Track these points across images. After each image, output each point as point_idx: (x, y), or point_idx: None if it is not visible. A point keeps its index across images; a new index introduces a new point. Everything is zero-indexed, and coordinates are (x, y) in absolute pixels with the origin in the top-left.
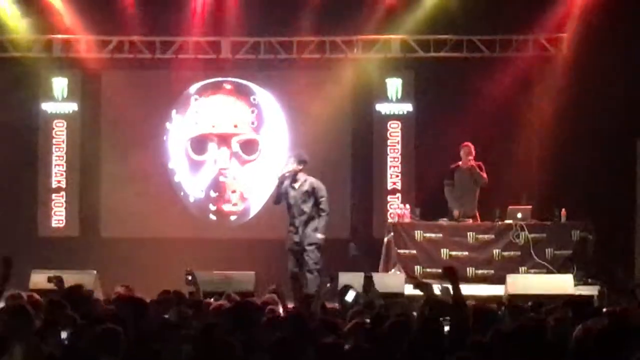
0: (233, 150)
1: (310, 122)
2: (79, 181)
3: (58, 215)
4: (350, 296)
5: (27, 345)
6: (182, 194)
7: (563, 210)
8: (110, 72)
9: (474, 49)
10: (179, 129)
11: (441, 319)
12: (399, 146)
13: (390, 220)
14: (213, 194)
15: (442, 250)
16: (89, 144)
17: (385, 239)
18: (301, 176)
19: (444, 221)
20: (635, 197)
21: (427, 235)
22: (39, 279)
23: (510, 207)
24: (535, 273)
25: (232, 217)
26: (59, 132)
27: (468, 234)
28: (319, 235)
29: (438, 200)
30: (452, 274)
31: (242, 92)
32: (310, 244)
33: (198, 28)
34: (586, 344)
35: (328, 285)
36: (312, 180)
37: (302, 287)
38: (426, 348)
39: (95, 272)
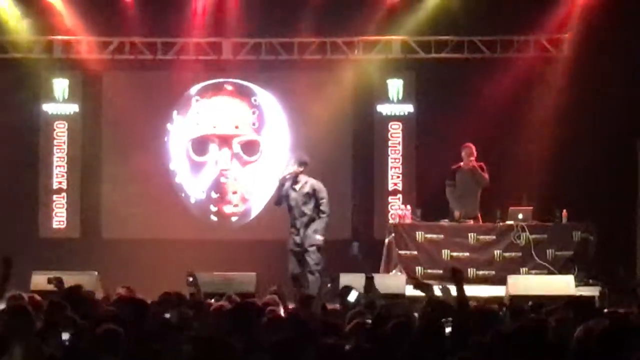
0: (234, 151)
1: (311, 123)
2: (80, 182)
3: (59, 217)
4: (352, 296)
5: (27, 345)
6: (183, 195)
7: (564, 211)
8: (111, 73)
9: (475, 49)
10: (180, 130)
11: (443, 319)
12: (400, 147)
13: (391, 221)
14: (214, 195)
15: (443, 251)
16: (90, 145)
17: (386, 240)
18: (302, 178)
19: (445, 222)
20: (636, 198)
21: (428, 236)
22: (40, 280)
23: (511, 208)
24: (536, 274)
25: (233, 218)
26: (60, 133)
27: (469, 234)
28: (318, 237)
29: (439, 201)
30: (458, 276)
31: (243, 93)
32: (311, 245)
33: (199, 29)
34: (587, 344)
35: (329, 285)
36: (313, 181)
37: (302, 288)
38: (427, 349)
39: (96, 273)
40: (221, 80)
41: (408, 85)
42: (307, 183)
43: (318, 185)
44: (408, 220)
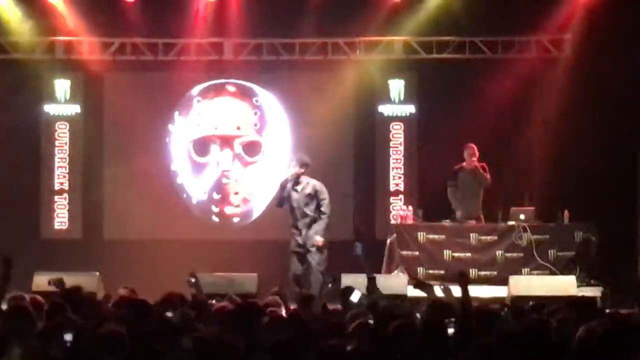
0: (236, 152)
1: (312, 123)
2: (82, 183)
3: (61, 218)
4: (355, 297)
5: (26, 347)
6: (184, 196)
7: (566, 211)
8: (112, 74)
9: (477, 50)
10: (181, 131)
11: (446, 320)
12: (401, 147)
13: (392, 221)
14: (216, 196)
15: (444, 251)
16: (92, 145)
17: (388, 241)
18: (304, 179)
19: (447, 222)
20: (638, 198)
21: (430, 236)
22: (42, 281)
23: (512, 208)
24: (538, 274)
25: (235, 219)
26: (62, 134)
27: (471, 235)
28: (318, 238)
29: (441, 201)
30: (465, 280)
31: (244, 94)
32: (313, 246)
33: (200, 30)
34: (589, 345)
35: (330, 286)
36: (314, 183)
37: (304, 289)
38: (429, 350)
39: (97, 273)
40: (223, 80)
41: (409, 86)
42: (309, 184)
43: (319, 186)
44: (410, 221)
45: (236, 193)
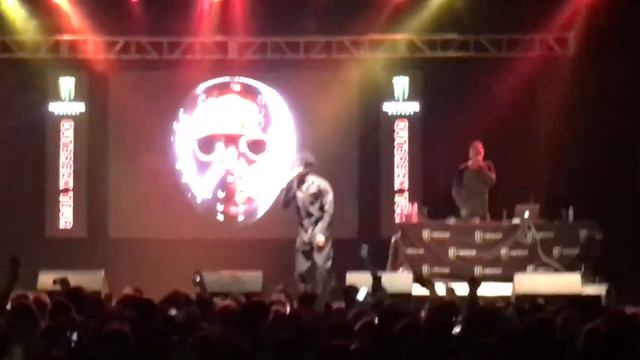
0: (240, 150)
1: (317, 122)
2: (87, 182)
3: (66, 216)
4: (361, 295)
5: (28, 346)
6: (189, 194)
7: (570, 209)
8: (117, 73)
9: (481, 48)
10: (186, 130)
11: (453, 319)
12: (406, 146)
13: (397, 220)
14: (220, 195)
15: (449, 249)
16: (97, 144)
17: (393, 239)
18: (309, 178)
19: (452, 220)
20: None
21: (435, 234)
22: (47, 280)
23: (517, 205)
24: (543, 272)
25: (240, 218)
26: (67, 133)
27: (475, 233)
28: (319, 237)
29: (446, 199)
30: (476, 284)
31: (249, 92)
32: (317, 244)
33: (205, 29)
34: (594, 343)
35: (333, 284)
36: (319, 182)
37: (309, 287)
38: (433, 348)
39: (102, 272)
40: (227, 79)
41: (414, 84)
42: (314, 183)
43: (324, 184)
44: (414, 219)
45: (241, 192)
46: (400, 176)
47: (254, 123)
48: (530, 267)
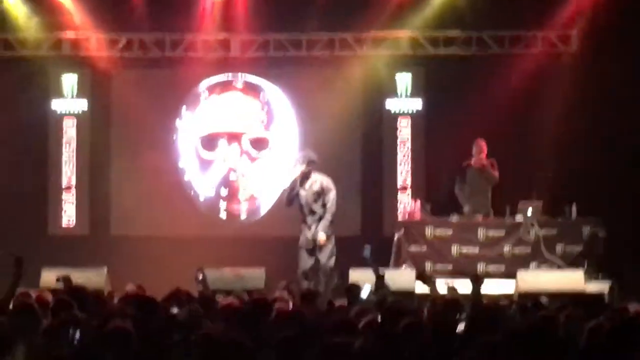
0: (243, 148)
1: (320, 119)
2: (89, 179)
3: (68, 213)
4: (365, 293)
5: (30, 345)
6: (192, 192)
7: (574, 206)
8: (119, 70)
9: (484, 45)
10: (189, 127)
11: (457, 316)
12: (408, 143)
13: (400, 217)
14: (223, 192)
15: (452, 246)
16: (99, 142)
17: (396, 236)
18: (312, 176)
19: (455, 217)
20: None
21: (438, 232)
22: (50, 277)
23: (520, 202)
24: (546, 269)
25: (242, 215)
26: (69, 131)
27: (478, 230)
28: (321, 235)
29: (448, 196)
30: (479, 282)
31: (251, 90)
32: (320, 242)
33: (207, 26)
34: (597, 341)
35: (336, 281)
36: (322, 179)
37: (312, 284)
38: (436, 346)
39: (105, 269)
40: (230, 76)
41: (416, 81)
42: (317, 181)
43: (327, 182)
44: (417, 216)
45: (244, 189)
46: (403, 173)
47: (257, 120)
48: (533, 264)
